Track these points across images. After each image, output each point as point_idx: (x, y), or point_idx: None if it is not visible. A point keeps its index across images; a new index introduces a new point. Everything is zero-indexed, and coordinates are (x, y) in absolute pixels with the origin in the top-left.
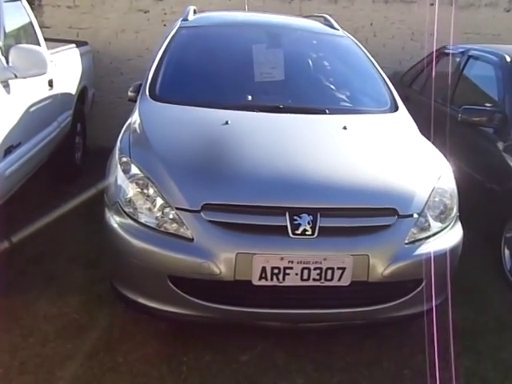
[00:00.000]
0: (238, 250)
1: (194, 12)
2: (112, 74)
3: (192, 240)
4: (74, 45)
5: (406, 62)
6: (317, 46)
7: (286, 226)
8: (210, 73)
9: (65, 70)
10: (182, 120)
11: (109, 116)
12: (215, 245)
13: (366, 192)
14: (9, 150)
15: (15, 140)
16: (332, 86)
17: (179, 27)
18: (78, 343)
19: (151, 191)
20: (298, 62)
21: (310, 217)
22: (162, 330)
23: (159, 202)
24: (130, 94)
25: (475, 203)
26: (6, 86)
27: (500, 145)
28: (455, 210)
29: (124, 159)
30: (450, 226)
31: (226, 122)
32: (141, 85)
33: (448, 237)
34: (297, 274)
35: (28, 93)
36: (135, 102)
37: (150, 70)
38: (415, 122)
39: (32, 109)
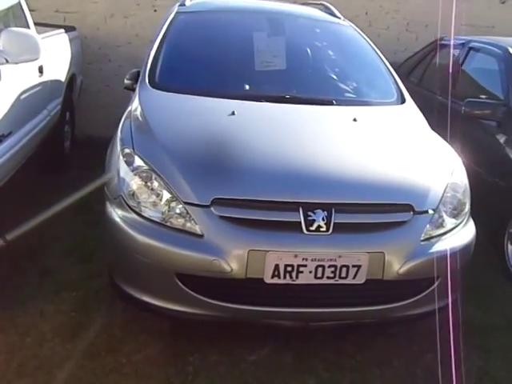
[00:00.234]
0: (250, 247)
1: None
2: (100, 61)
3: (202, 236)
4: (62, 30)
5: (400, 53)
6: (320, 35)
7: (300, 222)
8: (210, 61)
9: (55, 57)
10: (186, 110)
11: (97, 104)
12: (226, 241)
13: (382, 187)
14: None
15: (6, 129)
16: (338, 77)
17: (177, 12)
18: (78, 343)
19: (156, 184)
20: (301, 51)
21: (325, 212)
22: (164, 329)
23: (165, 195)
24: (126, 81)
25: (477, 198)
26: None
27: (503, 139)
28: (468, 205)
29: (127, 150)
30: (463, 223)
31: (233, 113)
32: (138, 72)
33: (462, 234)
34: (310, 272)
35: (19, 79)
36: (132, 90)
37: (148, 57)
38: None
39: (23, 96)
